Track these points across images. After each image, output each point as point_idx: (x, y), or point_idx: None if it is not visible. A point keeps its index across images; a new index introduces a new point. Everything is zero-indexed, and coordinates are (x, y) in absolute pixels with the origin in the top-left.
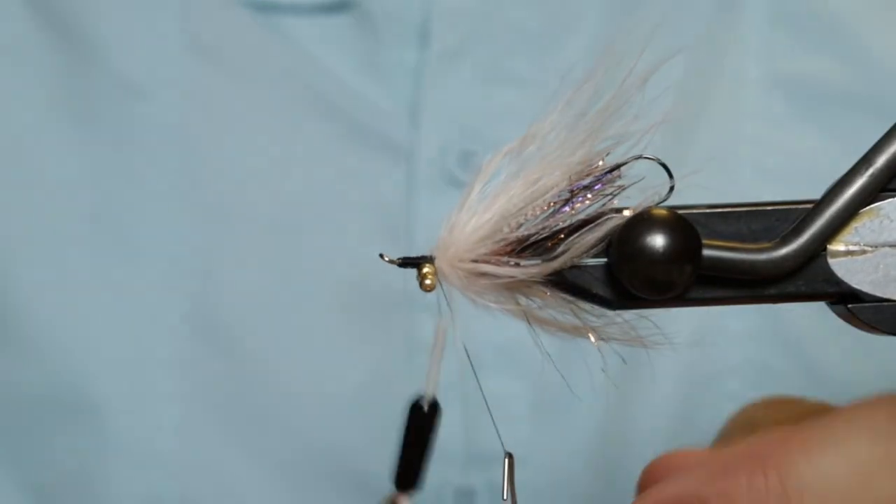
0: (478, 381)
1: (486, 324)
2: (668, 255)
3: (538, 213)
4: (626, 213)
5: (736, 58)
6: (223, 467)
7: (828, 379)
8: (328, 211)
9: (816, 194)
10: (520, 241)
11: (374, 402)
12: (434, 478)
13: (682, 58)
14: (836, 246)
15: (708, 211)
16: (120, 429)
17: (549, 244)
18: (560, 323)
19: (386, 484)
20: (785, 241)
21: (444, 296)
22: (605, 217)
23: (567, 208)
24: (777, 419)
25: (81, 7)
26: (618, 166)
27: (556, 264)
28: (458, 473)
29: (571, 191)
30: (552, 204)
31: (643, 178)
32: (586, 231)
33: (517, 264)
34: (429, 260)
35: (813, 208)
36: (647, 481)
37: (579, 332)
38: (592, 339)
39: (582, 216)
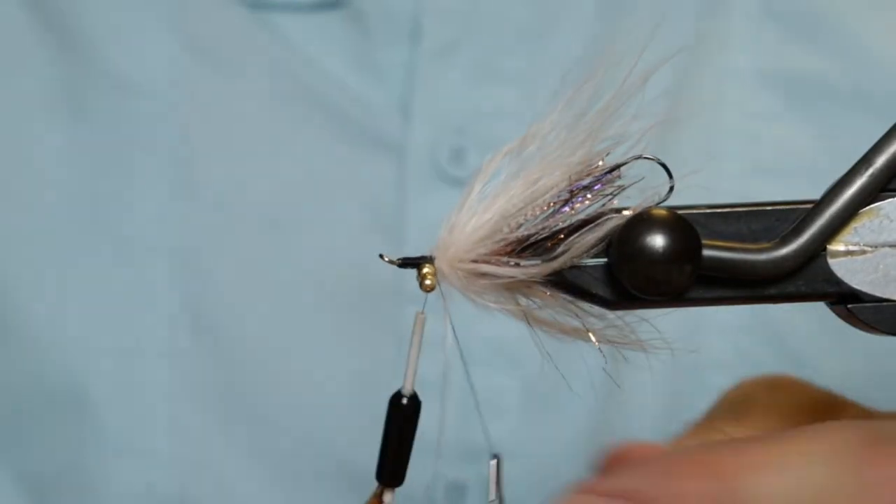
0: (469, 376)
1: (476, 318)
2: (668, 256)
3: (538, 213)
4: (626, 213)
5: (724, 52)
6: (215, 460)
7: (815, 374)
8: (320, 206)
9: (805, 189)
10: (520, 241)
11: (365, 396)
12: (426, 472)
13: (670, 51)
14: (836, 246)
15: (708, 211)
16: (112, 422)
17: (549, 244)
18: (560, 324)
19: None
20: (785, 241)
21: (443, 296)
22: (605, 217)
23: (567, 208)
24: (778, 403)
25: (76, 4)
26: (617, 166)
27: (555, 264)
28: (450, 467)
29: (571, 191)
30: (552, 204)
31: (643, 178)
32: (586, 231)
33: (517, 264)
34: (428, 260)
35: (813, 208)
36: (605, 467)
37: (579, 333)
38: (593, 339)
39: (582, 216)
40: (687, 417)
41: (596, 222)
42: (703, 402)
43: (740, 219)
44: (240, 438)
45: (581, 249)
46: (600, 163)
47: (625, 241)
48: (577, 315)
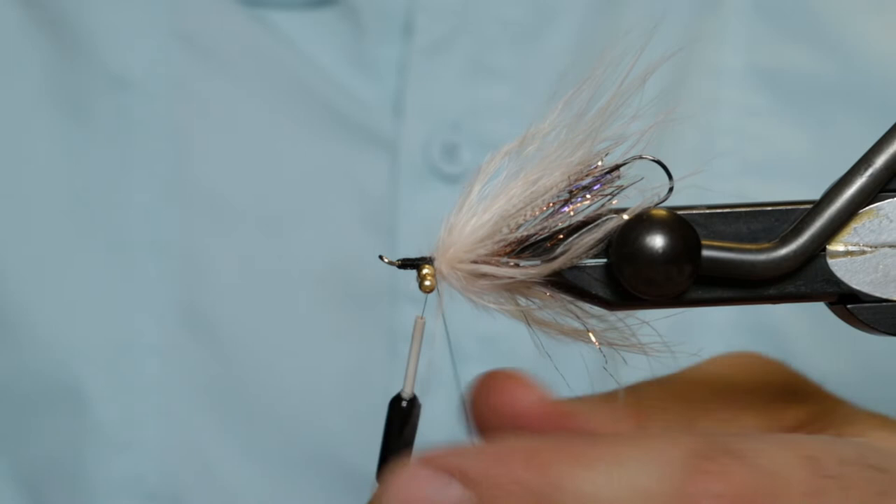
0: (456, 374)
1: (469, 315)
2: (668, 256)
3: (537, 213)
4: (626, 213)
5: (716, 50)
6: (207, 454)
7: (809, 372)
8: (312, 202)
9: (798, 188)
10: (519, 241)
11: (357, 391)
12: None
13: (663, 49)
14: (836, 246)
15: (707, 211)
16: (105, 416)
17: (549, 245)
18: (560, 325)
19: (367, 470)
20: (784, 241)
21: (440, 296)
22: (605, 217)
23: (566, 209)
24: (744, 381)
25: (70, 2)
26: (617, 167)
27: (555, 265)
28: None
29: (571, 191)
30: (551, 204)
31: (642, 179)
32: (586, 232)
33: (517, 265)
34: (428, 261)
35: (812, 209)
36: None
37: (579, 334)
38: (593, 340)
39: (581, 217)
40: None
41: (595, 223)
42: None
43: (740, 219)
44: (232, 432)
45: (581, 250)
46: (599, 163)
47: (624, 242)
48: (576, 316)
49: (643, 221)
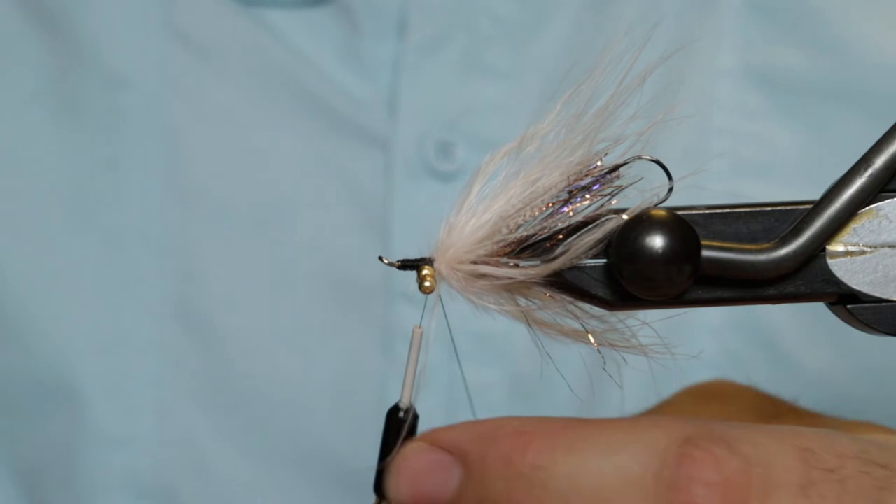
0: (462, 373)
1: (464, 313)
2: (668, 256)
3: (537, 213)
4: (626, 214)
5: (710, 49)
6: (202, 451)
7: (802, 372)
8: (307, 200)
9: (793, 187)
10: (519, 242)
11: (352, 389)
12: None
13: (657, 49)
14: (836, 246)
15: (707, 211)
16: (101, 412)
17: (548, 245)
18: (559, 326)
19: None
20: (784, 241)
21: (440, 298)
22: (605, 218)
23: (566, 209)
24: (718, 412)
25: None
26: (617, 167)
27: (555, 265)
28: None
29: (570, 191)
30: (551, 204)
31: (641, 179)
32: (585, 232)
33: (516, 265)
34: (428, 262)
35: (812, 209)
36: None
37: (578, 335)
38: (592, 341)
39: (581, 217)
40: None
41: (595, 223)
42: None
43: (739, 219)
44: (226, 429)
45: (580, 250)
46: (599, 163)
47: (624, 242)
48: (576, 316)
49: (643, 222)
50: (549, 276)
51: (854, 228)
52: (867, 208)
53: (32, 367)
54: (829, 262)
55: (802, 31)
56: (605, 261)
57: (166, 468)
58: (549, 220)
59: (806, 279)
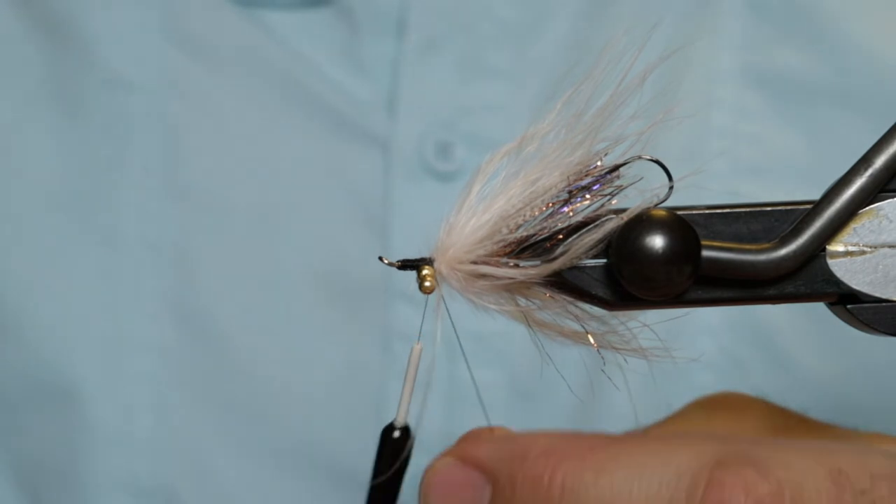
0: (471, 373)
1: (463, 312)
2: (668, 256)
3: (537, 213)
4: (626, 214)
5: (710, 49)
6: (200, 451)
7: (801, 372)
8: (306, 200)
9: (791, 188)
10: (519, 242)
11: (351, 389)
12: (411, 467)
13: (657, 49)
14: (836, 246)
15: (707, 212)
16: (99, 413)
17: (549, 245)
18: (559, 327)
19: (360, 469)
20: (784, 241)
21: (442, 298)
22: (605, 218)
23: (566, 209)
24: (731, 425)
25: (66, 1)
26: (617, 167)
27: (555, 265)
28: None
29: (570, 191)
30: (551, 204)
31: (641, 179)
32: (585, 232)
33: (516, 265)
34: (428, 262)
35: (812, 209)
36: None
37: (578, 336)
38: (592, 342)
39: (581, 217)
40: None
41: (595, 223)
42: (687, 399)
43: (739, 219)
44: (225, 430)
45: (580, 250)
46: (599, 163)
47: (624, 242)
48: (576, 317)
49: (643, 222)
50: (549, 276)
51: (854, 228)
52: (867, 208)
53: (31, 366)
54: (829, 262)
55: (802, 32)
56: (605, 261)
57: (165, 468)
58: (549, 220)
59: (806, 279)
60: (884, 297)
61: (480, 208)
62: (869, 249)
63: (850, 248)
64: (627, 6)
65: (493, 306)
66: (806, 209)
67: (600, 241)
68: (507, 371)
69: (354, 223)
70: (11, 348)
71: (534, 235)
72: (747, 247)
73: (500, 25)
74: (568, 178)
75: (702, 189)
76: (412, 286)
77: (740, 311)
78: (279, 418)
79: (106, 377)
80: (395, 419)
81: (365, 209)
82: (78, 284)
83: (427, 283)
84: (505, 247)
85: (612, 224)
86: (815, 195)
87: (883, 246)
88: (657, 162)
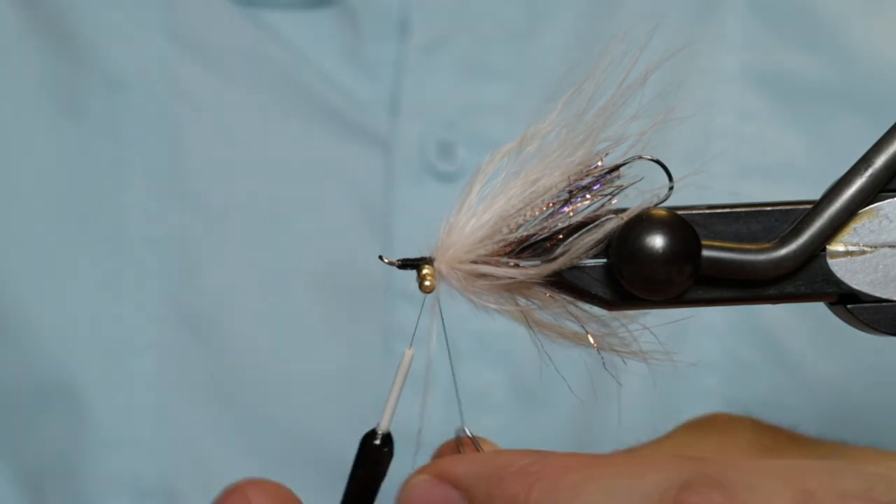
0: (452, 372)
1: (464, 313)
2: (668, 256)
3: (537, 213)
4: (626, 214)
5: (712, 51)
6: (202, 451)
7: (804, 373)
8: (309, 200)
9: (794, 189)
10: (519, 241)
11: (352, 389)
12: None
13: (659, 50)
14: (836, 246)
15: (707, 211)
16: (101, 414)
17: (549, 245)
18: (559, 328)
19: None
20: (784, 241)
21: (437, 298)
22: (605, 218)
23: (566, 209)
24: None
25: (67, 2)
26: (617, 167)
27: (555, 265)
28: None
29: (570, 191)
30: (551, 204)
31: (642, 179)
32: (586, 232)
33: (516, 265)
34: (428, 261)
35: (812, 209)
36: (441, 453)
37: (578, 338)
38: (592, 342)
39: (581, 217)
40: (674, 416)
41: (595, 223)
42: (690, 401)
43: (739, 219)
44: (228, 430)
45: (580, 250)
46: (599, 163)
47: (624, 242)
48: (576, 317)
49: (643, 221)
50: (549, 275)
51: (854, 228)
52: (867, 208)
53: (34, 368)
54: (830, 261)
55: (804, 33)
56: (605, 261)
57: (167, 470)
58: (550, 220)
59: (806, 279)
60: (884, 296)
61: (481, 208)
62: (869, 249)
63: (851, 248)
64: (629, 7)
65: (492, 306)
66: (806, 209)
67: (600, 240)
68: (509, 372)
69: (356, 224)
70: (14, 349)
71: (534, 235)
72: (747, 247)
73: (502, 26)
74: (568, 177)
75: (704, 189)
76: (413, 286)
77: (744, 313)
78: (282, 418)
79: (108, 378)
80: (377, 425)
81: (366, 210)
82: (80, 285)
83: (427, 283)
84: (505, 246)
85: (613, 224)
86: (817, 196)
87: (883, 246)
88: (657, 162)
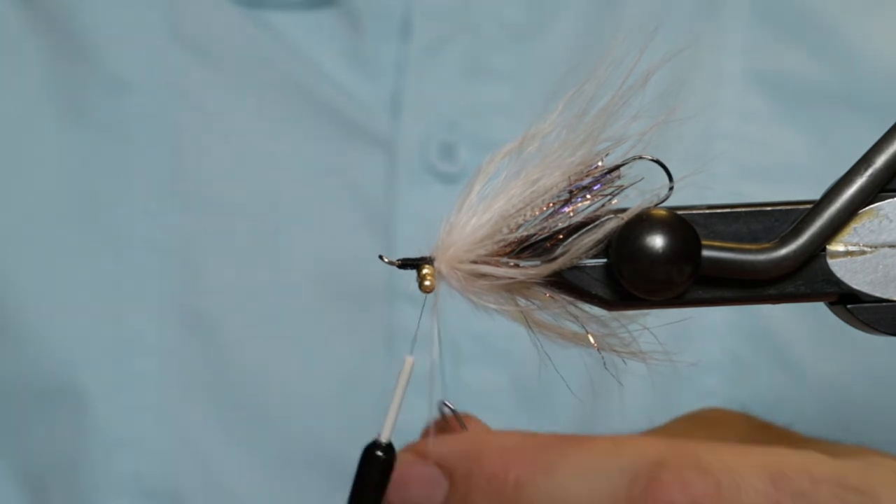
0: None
1: (465, 313)
2: (668, 256)
3: (537, 213)
4: (626, 214)
5: (715, 53)
6: (204, 452)
7: (805, 373)
8: (310, 201)
9: (795, 190)
10: (519, 241)
11: (354, 390)
12: None
13: (661, 51)
14: (836, 246)
15: (707, 211)
16: (104, 414)
17: (549, 245)
18: (559, 328)
19: None
20: (784, 241)
21: (436, 297)
22: (605, 218)
23: (567, 209)
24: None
25: (69, 3)
26: (617, 167)
27: (555, 265)
28: None
29: (571, 191)
30: (551, 204)
31: (642, 179)
32: (586, 232)
33: (516, 265)
34: (428, 261)
35: (812, 209)
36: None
37: (578, 338)
38: (592, 342)
39: (581, 217)
40: (674, 416)
41: (595, 223)
42: (690, 401)
43: (740, 219)
44: (230, 431)
45: (581, 250)
46: (600, 163)
47: (624, 242)
48: (576, 317)
49: (643, 221)
50: (549, 275)
51: (854, 228)
52: (867, 208)
53: (37, 368)
54: (830, 261)
55: (807, 35)
56: (605, 261)
57: (170, 470)
58: (550, 220)
59: (806, 279)
60: (884, 296)
61: (481, 208)
62: (869, 249)
63: (851, 248)
64: (631, 8)
65: (492, 306)
66: (806, 209)
67: (600, 241)
68: (510, 372)
69: (358, 225)
70: (17, 350)
71: (534, 235)
72: (747, 246)
73: (503, 27)
74: (569, 178)
75: (704, 189)
76: (414, 286)
77: (745, 314)
78: (284, 419)
79: (111, 379)
80: (378, 435)
81: (368, 211)
82: (83, 287)
83: (427, 283)
84: (505, 246)
85: (613, 224)
86: (817, 196)
87: (883, 246)
88: (658, 162)
